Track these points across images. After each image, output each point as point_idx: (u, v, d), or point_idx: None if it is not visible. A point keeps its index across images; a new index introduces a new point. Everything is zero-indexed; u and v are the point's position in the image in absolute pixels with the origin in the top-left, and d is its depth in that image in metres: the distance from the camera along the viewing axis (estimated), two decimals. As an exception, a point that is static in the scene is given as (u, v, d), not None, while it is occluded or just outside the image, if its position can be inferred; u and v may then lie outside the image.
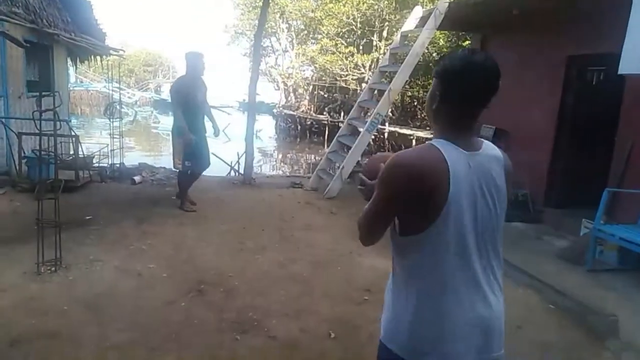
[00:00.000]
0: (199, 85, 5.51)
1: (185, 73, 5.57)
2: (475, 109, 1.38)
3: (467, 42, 12.24)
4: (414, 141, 14.22)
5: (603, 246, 4.59)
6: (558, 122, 6.03)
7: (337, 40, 17.66)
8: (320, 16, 18.17)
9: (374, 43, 17.39)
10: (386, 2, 16.32)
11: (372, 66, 16.24)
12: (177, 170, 5.77)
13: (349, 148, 7.25)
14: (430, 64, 13.80)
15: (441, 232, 1.31)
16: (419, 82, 16.28)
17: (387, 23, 16.92)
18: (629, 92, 5.01)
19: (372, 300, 3.47)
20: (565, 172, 6.00)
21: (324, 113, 20.89)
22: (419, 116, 17.49)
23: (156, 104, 29.99)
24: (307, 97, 22.25)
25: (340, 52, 17.40)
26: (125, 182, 6.96)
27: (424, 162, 1.31)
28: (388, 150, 14.68)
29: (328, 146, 9.76)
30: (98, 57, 10.67)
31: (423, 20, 7.32)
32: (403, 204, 1.33)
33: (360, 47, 17.89)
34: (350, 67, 17.58)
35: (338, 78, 18.65)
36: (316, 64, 19.13)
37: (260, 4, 10.22)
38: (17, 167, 6.47)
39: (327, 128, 19.46)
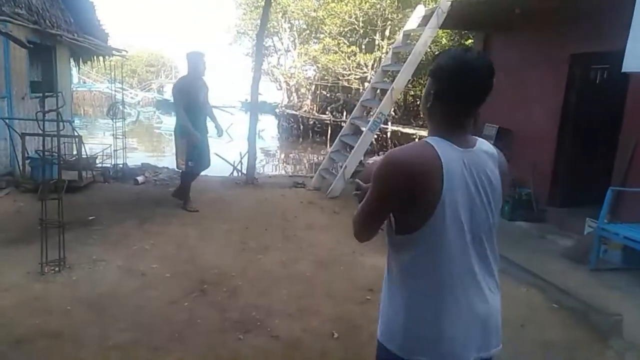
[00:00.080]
0: (201, 86, 5.51)
1: (187, 73, 5.57)
2: (469, 107, 1.39)
3: (470, 41, 12.21)
4: (416, 140, 14.18)
5: (607, 245, 4.58)
6: (561, 121, 6.00)
7: (340, 40, 17.62)
8: (323, 15, 18.13)
9: (377, 42, 17.34)
10: (388, 1, 16.28)
11: (375, 65, 16.19)
12: (180, 171, 5.78)
13: (351, 147, 7.24)
14: (433, 63, 13.74)
15: (436, 229, 1.31)
16: (422, 81, 16.20)
17: (389, 22, 16.89)
18: (632, 90, 4.98)
19: (374, 300, 3.47)
20: (569, 171, 5.98)
21: (327, 112, 20.84)
22: (421, 115, 17.43)
23: (159, 104, 30.01)
24: (310, 97, 22.22)
25: (342, 52, 17.36)
26: (128, 182, 6.98)
27: (417, 159, 1.31)
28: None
29: (330, 146, 9.75)
30: (101, 58, 10.71)
31: (425, 19, 7.31)
32: (397, 200, 1.33)
33: (363, 47, 17.86)
34: (352, 67, 17.54)
35: (340, 77, 18.61)
36: (318, 63, 19.09)
37: (262, 3, 10.21)
38: (21, 168, 6.50)
39: (329, 127, 19.44)
